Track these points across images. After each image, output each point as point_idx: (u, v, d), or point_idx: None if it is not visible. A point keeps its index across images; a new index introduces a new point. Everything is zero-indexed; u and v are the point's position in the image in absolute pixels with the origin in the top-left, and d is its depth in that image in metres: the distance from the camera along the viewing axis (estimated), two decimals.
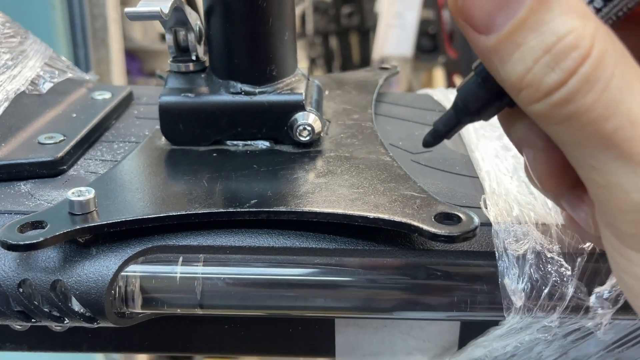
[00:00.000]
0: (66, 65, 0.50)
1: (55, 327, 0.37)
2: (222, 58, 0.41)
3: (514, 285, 0.32)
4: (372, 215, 0.32)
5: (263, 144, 0.42)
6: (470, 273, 0.33)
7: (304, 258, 0.33)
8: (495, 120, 0.49)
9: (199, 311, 0.34)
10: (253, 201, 0.34)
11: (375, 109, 0.50)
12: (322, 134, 0.43)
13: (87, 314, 0.33)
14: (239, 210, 0.33)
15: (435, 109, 0.53)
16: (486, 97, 0.26)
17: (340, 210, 0.33)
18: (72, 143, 0.41)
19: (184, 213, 0.33)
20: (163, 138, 0.43)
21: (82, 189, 0.33)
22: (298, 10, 2.93)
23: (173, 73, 0.43)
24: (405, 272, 0.33)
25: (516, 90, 0.23)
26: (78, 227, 0.31)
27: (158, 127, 0.42)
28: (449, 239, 0.30)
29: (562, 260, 0.33)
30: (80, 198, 0.32)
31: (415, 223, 0.31)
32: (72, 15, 0.96)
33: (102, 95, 0.49)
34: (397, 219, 0.32)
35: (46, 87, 0.45)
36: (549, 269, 0.33)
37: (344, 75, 0.57)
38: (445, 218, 0.32)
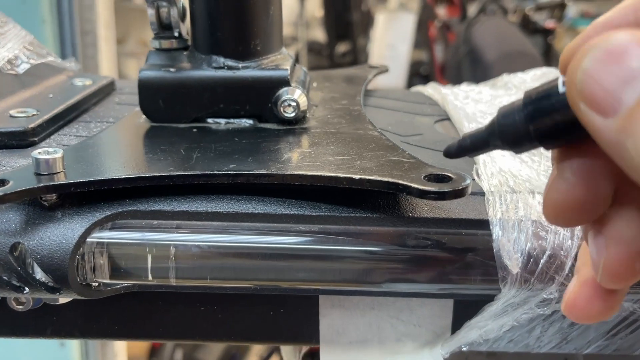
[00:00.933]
0: (47, 51, 0.48)
1: (17, 306, 0.34)
2: (205, 32, 0.40)
3: (510, 253, 0.30)
4: (357, 176, 0.30)
5: (246, 122, 0.40)
6: (462, 242, 0.31)
7: (286, 225, 0.31)
8: (486, 107, 0.48)
9: (172, 281, 0.31)
10: (232, 165, 0.32)
11: (365, 102, 0.48)
12: (308, 115, 0.41)
13: (50, 283, 0.30)
14: (216, 172, 0.31)
15: (425, 102, 0.51)
16: (526, 137, 0.22)
17: (324, 173, 0.31)
18: (46, 117, 0.39)
19: (157, 175, 0.31)
20: (142, 117, 0.41)
21: (50, 149, 0.31)
22: (292, 51, 2.96)
23: (155, 50, 0.41)
24: (393, 240, 0.31)
25: None
26: (42, 184, 0.29)
27: (138, 109, 0.41)
28: (439, 195, 0.28)
29: (560, 228, 0.31)
30: (47, 157, 0.30)
31: (403, 182, 0.29)
32: (62, 31, 0.95)
33: (83, 82, 0.48)
34: (385, 179, 0.30)
35: (23, 67, 0.44)
36: (547, 237, 0.31)
37: (332, 71, 0.56)
38: (436, 179, 0.30)
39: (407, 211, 0.32)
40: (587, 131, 0.20)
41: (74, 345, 0.93)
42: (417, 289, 0.32)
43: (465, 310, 0.35)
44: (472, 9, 1.91)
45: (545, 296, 0.31)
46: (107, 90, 0.49)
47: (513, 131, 0.23)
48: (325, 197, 0.32)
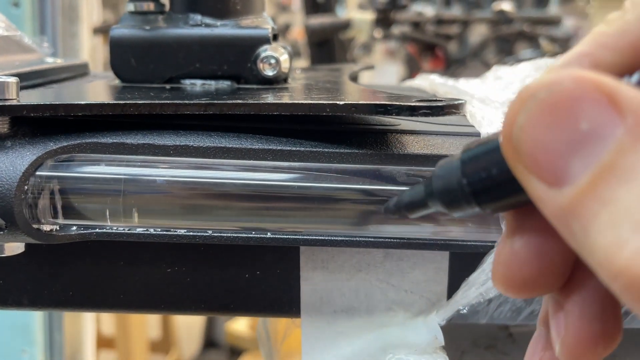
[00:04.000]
0: (20, 33, 0.46)
1: None
2: None
3: None
4: (342, 102, 0.28)
5: (224, 83, 0.38)
6: None
7: (263, 162, 0.28)
8: (478, 85, 0.46)
9: (135, 221, 0.28)
10: (204, 99, 0.29)
11: None
12: (289, 79, 0.39)
13: None
14: (186, 102, 0.28)
15: (413, 89, 0.50)
16: (464, 198, 0.19)
17: (305, 101, 0.28)
18: (6, 73, 0.36)
19: (121, 102, 0.28)
20: (114, 80, 0.38)
21: (4, 75, 0.28)
22: None
23: (129, 13, 0.39)
24: (382, 177, 0.28)
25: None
26: None
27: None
28: (433, 110, 0.25)
29: None
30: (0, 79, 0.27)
31: (392, 102, 0.27)
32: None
33: (54, 60, 0.45)
34: (372, 102, 0.27)
35: None
36: None
37: (316, 65, 0.54)
38: (427, 102, 0.27)
39: (397, 148, 0.29)
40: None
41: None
42: (408, 232, 0.29)
43: (463, 275, 0.32)
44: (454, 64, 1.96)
45: None
46: (79, 70, 0.47)
47: (449, 191, 0.19)
48: (307, 135, 0.29)
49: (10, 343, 0.91)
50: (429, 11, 1.83)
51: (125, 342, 1.44)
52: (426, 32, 1.77)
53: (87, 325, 1.02)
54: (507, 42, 2.02)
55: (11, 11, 0.90)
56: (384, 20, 1.73)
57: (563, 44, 2.01)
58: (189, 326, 2.01)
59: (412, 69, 1.79)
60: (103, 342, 1.45)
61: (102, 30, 1.38)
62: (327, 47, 1.65)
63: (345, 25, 1.66)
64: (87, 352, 1.02)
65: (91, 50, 1.10)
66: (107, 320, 1.54)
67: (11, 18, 0.66)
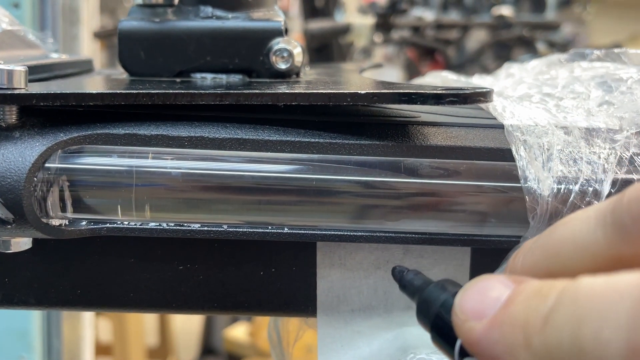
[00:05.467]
0: (24, 28, 0.45)
1: None
2: None
3: (539, 174, 0.26)
4: (363, 91, 0.27)
5: (235, 77, 0.37)
6: (482, 170, 0.27)
7: (279, 155, 0.27)
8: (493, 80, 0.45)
9: (147, 217, 0.27)
10: (220, 89, 0.28)
11: None
12: (301, 73, 0.38)
13: (1, 215, 0.25)
14: (201, 92, 0.27)
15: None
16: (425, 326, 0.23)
17: (324, 90, 0.27)
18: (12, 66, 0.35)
19: (134, 92, 0.27)
20: (123, 74, 0.37)
21: (11, 64, 0.27)
22: None
23: (138, 6, 0.38)
24: (405, 168, 0.27)
25: None
26: None
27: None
28: (460, 99, 0.25)
29: (593, 156, 0.27)
30: (8, 68, 0.26)
31: (416, 90, 0.26)
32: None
33: (59, 55, 0.44)
34: (395, 90, 0.26)
35: None
36: (579, 164, 0.27)
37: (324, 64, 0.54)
38: (452, 90, 0.26)
39: (419, 140, 0.28)
40: None
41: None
42: (429, 227, 0.28)
43: (485, 272, 0.31)
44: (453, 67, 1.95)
45: None
46: (84, 65, 0.46)
47: (426, 309, 0.22)
48: (325, 127, 0.29)
49: (9, 349, 0.90)
50: (428, 16, 1.83)
51: (123, 348, 1.43)
52: (425, 37, 1.77)
53: (86, 331, 1.00)
54: (506, 47, 2.02)
55: (11, 12, 0.89)
56: (383, 25, 1.73)
57: (561, 48, 2.01)
58: (187, 333, 1.99)
59: (412, 74, 1.79)
60: (101, 349, 1.44)
61: (100, 35, 1.37)
62: (326, 51, 1.65)
63: (345, 29, 1.65)
64: (85, 359, 1.00)
65: (91, 54, 1.09)
66: (105, 327, 1.53)
67: None
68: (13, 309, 0.31)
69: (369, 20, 1.61)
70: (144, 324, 1.55)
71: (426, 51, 1.79)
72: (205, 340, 1.95)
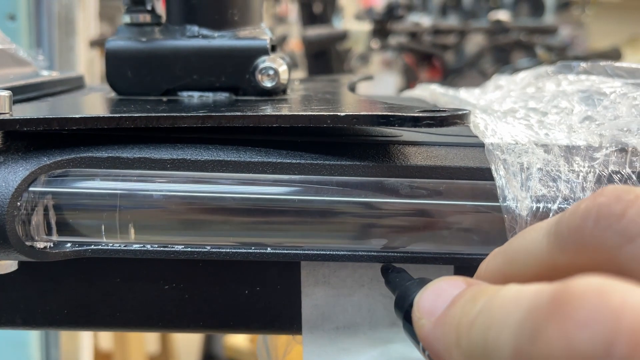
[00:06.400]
0: (15, 46, 0.46)
1: None
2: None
3: (517, 194, 0.27)
4: (343, 113, 0.27)
5: (221, 95, 0.37)
6: (462, 189, 0.27)
7: (261, 176, 0.28)
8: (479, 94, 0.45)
9: (131, 238, 0.27)
10: (202, 111, 0.29)
11: None
12: (288, 91, 0.38)
13: None
14: (183, 115, 0.28)
15: (413, 100, 0.49)
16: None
17: (305, 112, 0.28)
18: (2, 86, 0.35)
19: (116, 116, 0.27)
20: (110, 93, 0.38)
21: None
22: None
23: (125, 25, 0.39)
24: (385, 188, 0.27)
25: None
26: None
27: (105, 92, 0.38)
28: (437, 121, 0.25)
29: (572, 175, 0.28)
30: None
31: (394, 113, 0.26)
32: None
33: (49, 73, 0.45)
34: (374, 112, 0.26)
35: None
36: (558, 183, 0.27)
37: (314, 77, 0.54)
38: (430, 112, 0.26)
39: (399, 160, 0.28)
40: None
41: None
42: (412, 246, 0.28)
43: None
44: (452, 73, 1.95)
45: None
46: (74, 82, 0.46)
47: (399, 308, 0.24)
48: (307, 148, 0.29)
49: (7, 359, 0.90)
50: (425, 21, 1.84)
51: (124, 356, 1.43)
52: (423, 42, 1.77)
53: (84, 340, 1.01)
54: (504, 52, 2.02)
55: (7, 24, 0.90)
56: (380, 31, 1.73)
57: (559, 52, 2.01)
58: (188, 340, 1.99)
59: (410, 79, 1.79)
60: (101, 357, 1.44)
61: (99, 43, 1.38)
62: (324, 58, 1.65)
63: (342, 36, 1.66)
64: None
65: (88, 63, 1.10)
66: (105, 335, 1.53)
67: (7, 31, 0.65)
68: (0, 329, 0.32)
69: (366, 26, 1.62)
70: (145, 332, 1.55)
71: (424, 57, 1.79)
72: (206, 346, 1.95)
